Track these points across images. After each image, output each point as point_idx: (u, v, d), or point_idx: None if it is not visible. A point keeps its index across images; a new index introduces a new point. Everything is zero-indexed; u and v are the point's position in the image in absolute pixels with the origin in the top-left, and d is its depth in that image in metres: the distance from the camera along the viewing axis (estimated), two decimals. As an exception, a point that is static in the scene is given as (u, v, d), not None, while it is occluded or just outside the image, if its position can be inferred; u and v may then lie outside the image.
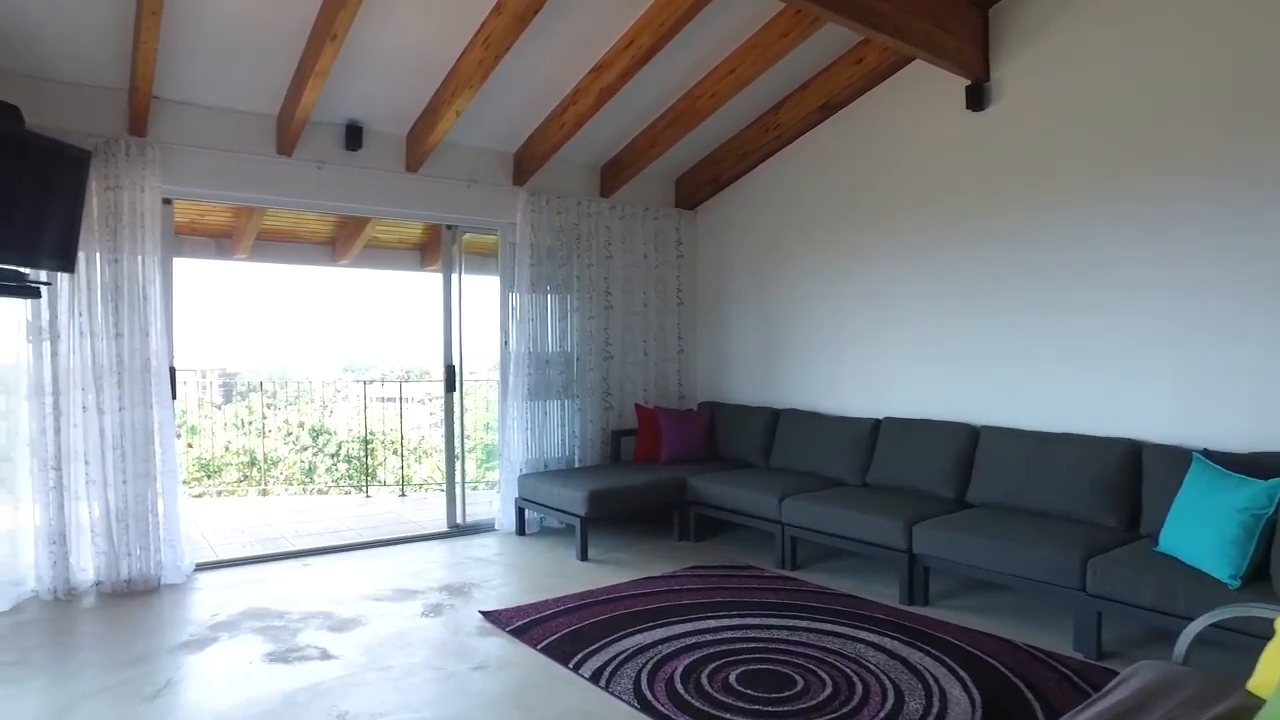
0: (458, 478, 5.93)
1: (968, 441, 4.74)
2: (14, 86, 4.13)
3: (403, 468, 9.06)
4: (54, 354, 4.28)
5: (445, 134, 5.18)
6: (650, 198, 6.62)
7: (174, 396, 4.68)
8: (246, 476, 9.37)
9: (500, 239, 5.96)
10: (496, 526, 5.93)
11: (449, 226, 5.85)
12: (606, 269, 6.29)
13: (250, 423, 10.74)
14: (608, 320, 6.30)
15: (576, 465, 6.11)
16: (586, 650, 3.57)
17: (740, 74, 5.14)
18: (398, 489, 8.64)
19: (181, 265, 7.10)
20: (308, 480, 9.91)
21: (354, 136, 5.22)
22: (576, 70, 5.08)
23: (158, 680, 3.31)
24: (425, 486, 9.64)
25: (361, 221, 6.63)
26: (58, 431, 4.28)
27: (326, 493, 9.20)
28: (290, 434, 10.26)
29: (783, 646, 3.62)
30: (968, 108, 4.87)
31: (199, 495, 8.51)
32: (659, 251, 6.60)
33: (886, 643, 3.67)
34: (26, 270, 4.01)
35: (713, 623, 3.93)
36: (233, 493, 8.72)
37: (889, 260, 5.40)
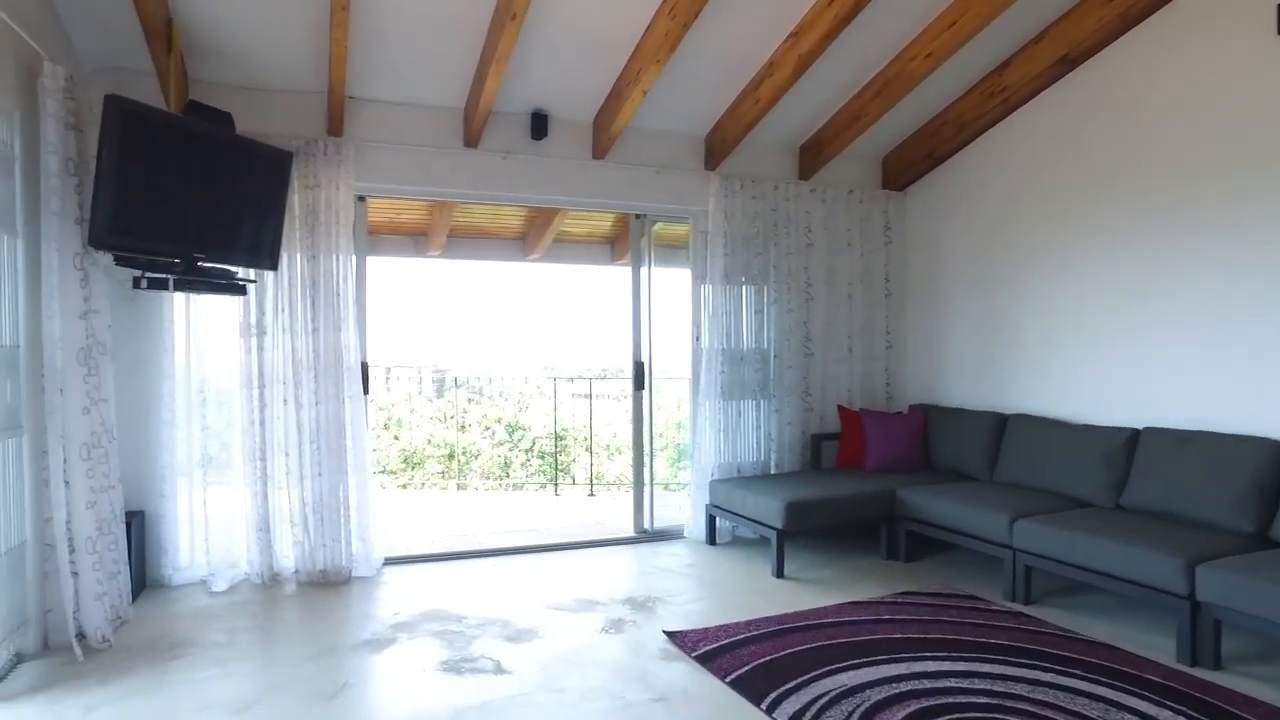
0: (646, 481, 5.63)
1: (1273, 462, 3.77)
2: (224, 97, 4.29)
3: (592, 466, 8.97)
4: (260, 348, 4.42)
5: (631, 117, 4.90)
6: (854, 179, 6.00)
7: (366, 392, 4.71)
8: (446, 470, 9.68)
9: (691, 228, 5.60)
10: (685, 534, 5.57)
11: (637, 216, 5.57)
12: (806, 258, 5.76)
13: (451, 417, 11.16)
14: (808, 314, 5.77)
15: (773, 471, 5.63)
16: (783, 688, 3.11)
17: (962, 27, 4.44)
18: (587, 488, 8.55)
19: (384, 263, 7.39)
20: (503, 475, 10.12)
21: (539, 125, 5.05)
22: (771, 37, 4.61)
23: (336, 679, 3.23)
24: (617, 485, 9.54)
25: (550, 214, 6.53)
26: (262, 423, 4.42)
27: (521, 488, 9.32)
28: (488, 429, 10.53)
29: (1025, 706, 2.96)
30: None
31: (403, 486, 8.88)
32: (865, 238, 5.97)
33: (1165, 716, 2.90)
34: (236, 269, 4.15)
35: (932, 665, 3.33)
36: (432, 486, 9.02)
37: (1158, 239, 4.47)
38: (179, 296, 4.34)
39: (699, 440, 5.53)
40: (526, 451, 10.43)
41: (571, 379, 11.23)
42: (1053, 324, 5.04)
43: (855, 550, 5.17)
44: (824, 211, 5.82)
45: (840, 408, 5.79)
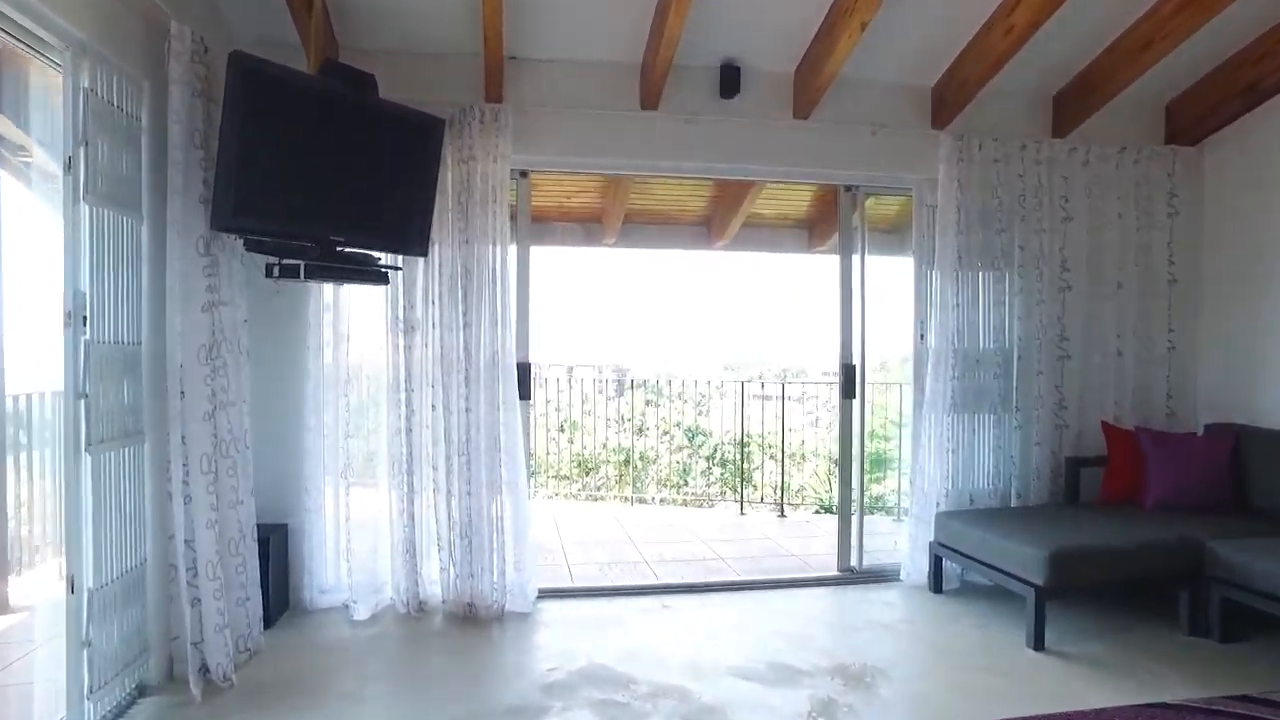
0: (855, 509, 4.65)
1: None
2: (371, 62, 3.74)
3: (782, 485, 7.98)
4: (408, 346, 3.89)
5: (845, 62, 3.93)
6: (1127, 133, 4.69)
7: (525, 397, 4.08)
8: (622, 475, 9.08)
9: (914, 201, 4.55)
10: (902, 576, 4.53)
11: (847, 188, 4.59)
12: (1063, 236, 4.54)
13: (629, 419, 10.59)
14: (1063, 306, 4.55)
15: (1014, 502, 4.47)
16: None
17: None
18: (775, 507, 7.62)
19: (557, 254, 6.85)
20: (681, 482, 9.38)
21: (729, 80, 4.21)
22: (1036, -60, 3.51)
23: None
24: (802, 498, 8.54)
25: (739, 193, 5.64)
26: (410, 431, 3.88)
27: (700, 504, 8.52)
28: (666, 432, 9.82)
29: None
30: None
31: (571, 495, 8.34)
32: (1141, 209, 4.65)
33: None
34: (379, 255, 3.61)
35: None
36: (604, 497, 8.38)
37: None
38: (328, 288, 3.89)
39: (921, 461, 4.48)
40: (707, 459, 9.65)
41: (753, 379, 10.33)
42: None
43: (1138, 617, 3.93)
44: (1086, 176, 4.57)
45: (1105, 425, 4.53)
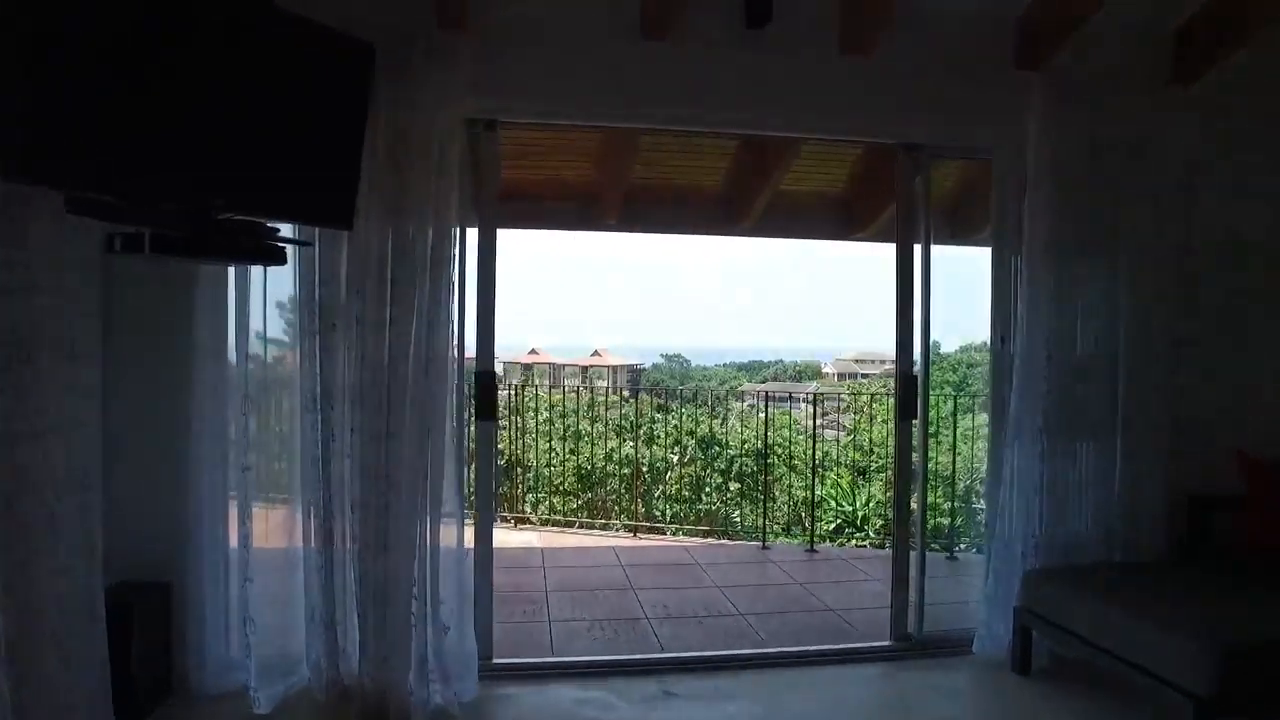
0: (914, 562, 3.64)
1: None
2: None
3: (812, 515, 6.90)
4: (326, 349, 2.92)
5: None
6: (1273, 79, 3.65)
7: (487, 416, 3.12)
8: (629, 489, 8.12)
9: (996, 168, 3.53)
10: (975, 648, 3.50)
11: (908, 148, 3.58)
12: (1185, 211, 3.51)
13: (640, 426, 9.63)
14: (1182, 304, 3.52)
15: (1120, 555, 3.45)
16: None
17: None
18: (802, 537, 6.62)
19: (548, 238, 5.84)
20: (694, 499, 8.39)
21: (759, 4, 3.21)
22: None
23: None
24: (823, 512, 7.58)
25: (768, 162, 4.59)
26: (327, 461, 2.91)
27: (715, 531, 7.48)
28: (678, 443, 8.82)
29: None
30: None
31: (568, 518, 7.33)
32: (1288, 178, 3.62)
33: None
34: (273, 224, 2.64)
35: None
36: (604, 525, 7.32)
37: None
38: (231, 270, 2.93)
39: (1001, 499, 3.47)
40: (722, 473, 8.66)
41: (768, 379, 9.35)
42: None
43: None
44: (1221, 136, 3.55)
45: (1243, 455, 3.50)
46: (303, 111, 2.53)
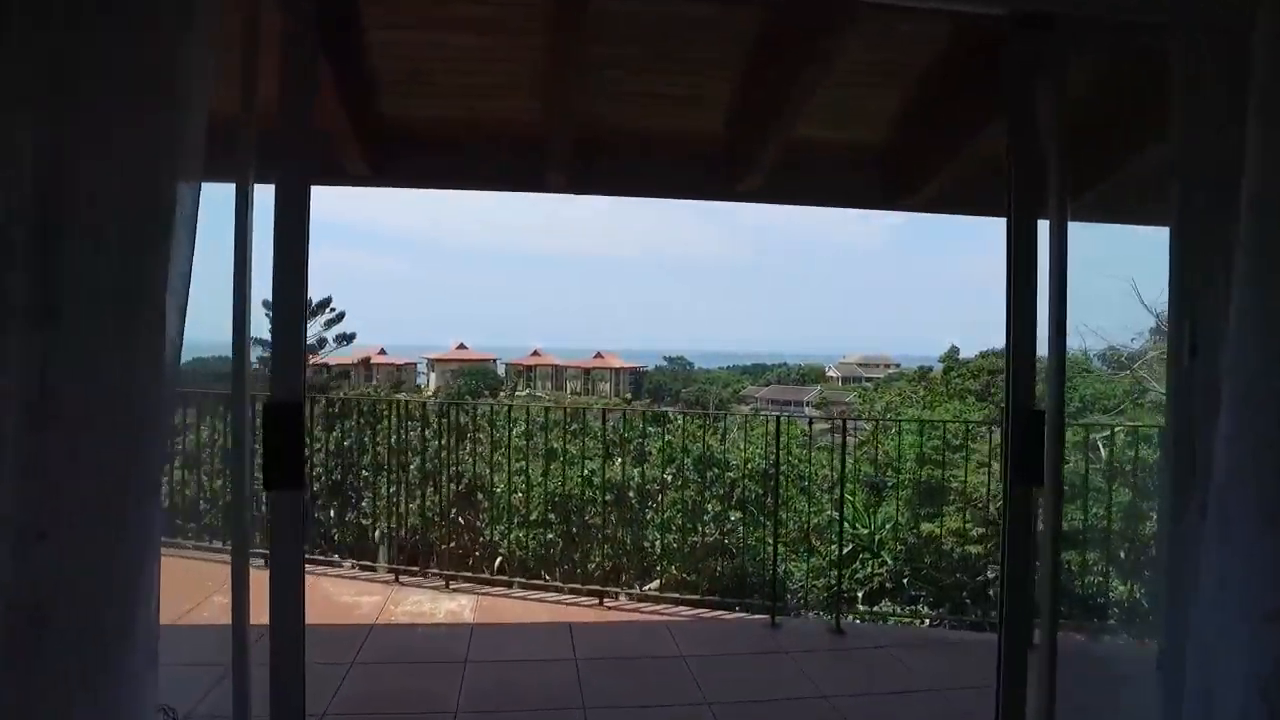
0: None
1: None
2: None
3: (840, 582, 5.36)
4: None
5: None
6: None
7: (286, 483, 1.70)
8: (607, 518, 6.70)
9: (1183, 63, 2.07)
10: None
11: (1022, 21, 2.12)
12: None
13: (630, 440, 8.28)
14: None
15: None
16: None
17: None
18: (825, 611, 5.14)
19: (496, 202, 4.40)
20: (690, 528, 6.97)
21: None
22: None
23: None
24: (833, 534, 6.15)
25: (776, 94, 3.14)
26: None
27: (703, 599, 5.81)
28: (672, 460, 7.38)
29: None
30: None
31: (523, 583, 5.76)
32: None
33: None
34: None
35: None
36: (569, 588, 5.79)
37: None
38: None
39: (1202, 631, 2.02)
40: (722, 499, 7.24)
41: (770, 382, 7.98)
42: None
43: None
44: None
45: None
46: None
